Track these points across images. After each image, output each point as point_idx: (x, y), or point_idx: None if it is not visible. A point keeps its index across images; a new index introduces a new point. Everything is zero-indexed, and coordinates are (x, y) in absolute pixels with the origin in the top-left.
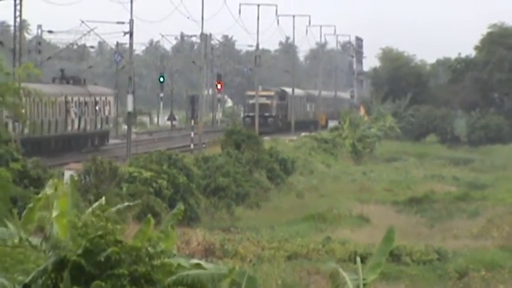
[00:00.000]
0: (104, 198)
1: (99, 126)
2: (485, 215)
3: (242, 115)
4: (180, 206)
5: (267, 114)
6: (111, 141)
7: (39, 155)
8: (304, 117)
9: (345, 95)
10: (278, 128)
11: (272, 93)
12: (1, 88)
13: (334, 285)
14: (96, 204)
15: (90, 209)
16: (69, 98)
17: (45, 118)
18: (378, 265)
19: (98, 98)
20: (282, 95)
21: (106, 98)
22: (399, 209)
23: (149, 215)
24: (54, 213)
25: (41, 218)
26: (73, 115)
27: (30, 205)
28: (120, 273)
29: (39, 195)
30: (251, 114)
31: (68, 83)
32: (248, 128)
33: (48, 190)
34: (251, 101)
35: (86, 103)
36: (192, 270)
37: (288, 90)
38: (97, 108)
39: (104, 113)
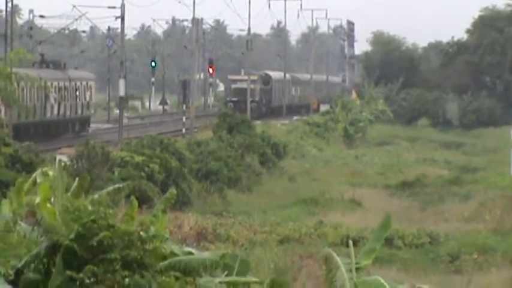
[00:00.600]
0: (77, 179)
1: (79, 112)
2: (477, 199)
3: (224, 100)
4: (173, 190)
5: (250, 99)
6: (105, 125)
7: (20, 140)
8: (289, 102)
9: (337, 79)
10: (261, 113)
11: (255, 78)
12: None
13: (327, 269)
14: (74, 185)
15: (70, 191)
16: (48, 83)
17: (23, 103)
18: (373, 251)
19: (78, 83)
20: (266, 79)
21: (87, 83)
22: (391, 193)
23: (132, 197)
24: (37, 199)
25: (31, 202)
26: (52, 100)
27: (15, 187)
28: (112, 257)
29: (22, 179)
30: (234, 99)
31: (47, 67)
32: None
33: (38, 177)
34: (233, 86)
35: (65, 88)
36: (185, 256)
37: (273, 74)
38: (77, 93)
39: (85, 99)
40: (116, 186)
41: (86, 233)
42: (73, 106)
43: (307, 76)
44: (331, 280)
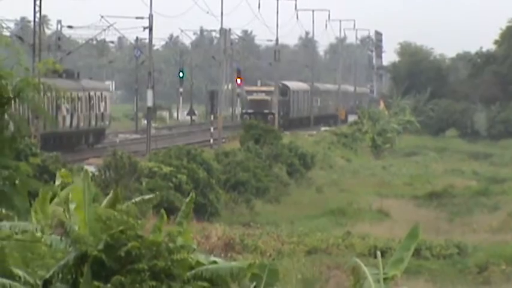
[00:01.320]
0: (112, 191)
1: (93, 123)
2: (505, 209)
3: (240, 112)
4: (192, 194)
5: (266, 111)
6: (132, 136)
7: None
8: (309, 113)
9: (365, 89)
10: (278, 126)
11: (272, 89)
12: (21, 83)
13: (355, 280)
14: (109, 196)
15: (104, 202)
16: (60, 94)
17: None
18: (400, 261)
19: (92, 93)
20: (284, 90)
21: (102, 94)
22: (419, 204)
23: (162, 211)
24: (71, 206)
25: (58, 212)
26: (64, 111)
27: (39, 197)
28: (140, 268)
29: (46, 188)
30: (250, 111)
31: (60, 76)
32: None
33: (57, 182)
34: (250, 97)
35: (78, 98)
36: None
37: (291, 84)
38: (91, 104)
39: (99, 110)
40: (143, 197)
41: (114, 243)
42: (86, 117)
43: (329, 86)
44: None
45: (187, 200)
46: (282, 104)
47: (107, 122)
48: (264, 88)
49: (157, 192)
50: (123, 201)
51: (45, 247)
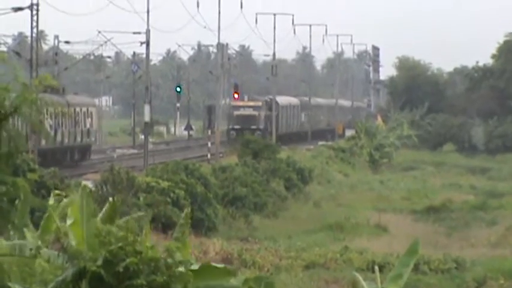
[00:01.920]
0: (108, 203)
1: (78, 139)
2: (503, 224)
3: (227, 128)
4: (188, 208)
5: (253, 126)
6: (130, 151)
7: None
8: (298, 129)
9: (362, 104)
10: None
11: (259, 104)
12: (18, 99)
13: None
14: (105, 208)
15: (100, 214)
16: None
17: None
18: (399, 276)
19: (78, 109)
20: (271, 105)
21: (88, 109)
22: (417, 218)
23: (146, 225)
24: (68, 222)
25: (56, 228)
26: (47, 127)
27: (47, 214)
28: (138, 283)
29: (55, 204)
30: (236, 126)
31: (45, 91)
32: (232, 144)
33: (51, 199)
34: (236, 112)
35: (62, 114)
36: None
37: (280, 99)
38: (76, 120)
39: (85, 126)
40: (137, 214)
41: (112, 259)
42: (71, 133)
43: (320, 100)
44: None
45: (184, 214)
46: (270, 119)
47: (93, 139)
48: (251, 103)
49: (155, 209)
50: (120, 215)
51: (44, 263)
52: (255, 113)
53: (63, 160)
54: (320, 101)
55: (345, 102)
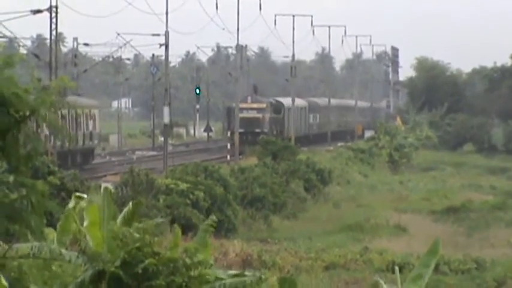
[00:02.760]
0: (130, 204)
1: (80, 143)
2: None
3: (229, 132)
4: (213, 216)
5: (257, 130)
6: (149, 153)
7: None
8: (305, 132)
9: (381, 104)
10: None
11: (264, 106)
12: (36, 101)
13: None
14: (125, 210)
15: (121, 216)
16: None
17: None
18: (420, 277)
19: (79, 111)
20: (277, 107)
21: (90, 111)
22: (436, 218)
23: (175, 225)
24: (85, 223)
25: (74, 230)
26: (46, 131)
27: (65, 216)
28: (157, 284)
29: (72, 206)
30: (240, 130)
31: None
32: (235, 149)
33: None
34: (240, 115)
35: (63, 117)
36: (229, 280)
37: (286, 100)
38: (77, 122)
39: (87, 128)
40: (156, 220)
41: (131, 260)
42: (73, 137)
43: (330, 101)
44: None
45: (208, 222)
46: (275, 122)
47: (96, 141)
48: (255, 105)
49: (175, 212)
50: (139, 216)
51: (63, 265)
52: (259, 115)
53: (64, 164)
54: (330, 101)
55: (364, 103)
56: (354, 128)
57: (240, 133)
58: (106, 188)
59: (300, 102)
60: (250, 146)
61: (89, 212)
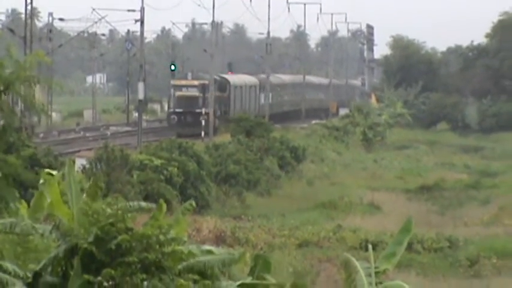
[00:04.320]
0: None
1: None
2: (497, 203)
3: (167, 112)
4: (192, 201)
5: (197, 110)
6: (124, 128)
7: None
8: (255, 112)
9: (356, 82)
10: (214, 128)
11: (206, 82)
12: (11, 76)
13: (347, 274)
14: (88, 185)
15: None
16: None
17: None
18: (392, 255)
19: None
20: (222, 85)
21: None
22: (410, 197)
23: (161, 200)
24: (57, 199)
25: (47, 205)
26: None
27: (37, 192)
28: (130, 260)
29: (42, 182)
30: (178, 110)
31: None
32: (173, 130)
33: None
34: (178, 93)
35: None
36: (203, 256)
37: (232, 77)
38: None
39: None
40: (141, 204)
41: (104, 236)
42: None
43: (285, 78)
44: (350, 284)
45: (186, 205)
46: (219, 101)
47: (36, 118)
48: (196, 82)
49: (148, 186)
50: (110, 192)
51: (36, 241)
52: (200, 93)
53: None
54: (285, 78)
55: (322, 80)
56: (328, 105)
57: (178, 113)
58: (71, 163)
59: (249, 79)
60: (190, 127)
61: (60, 188)
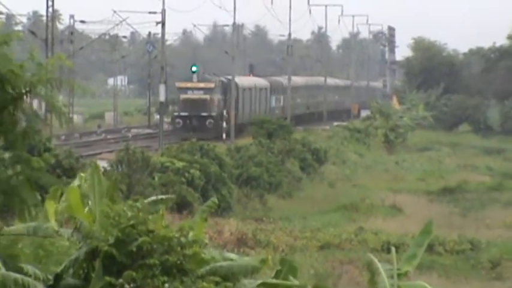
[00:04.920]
0: (110, 181)
1: None
2: None
3: (172, 115)
4: (214, 199)
5: (204, 113)
6: (145, 131)
7: None
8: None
9: (377, 84)
10: (221, 132)
11: (211, 85)
12: (33, 78)
13: (370, 275)
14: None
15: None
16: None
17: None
18: (413, 256)
19: None
20: (228, 87)
21: None
22: (432, 199)
23: (161, 206)
24: (79, 202)
25: (70, 208)
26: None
27: (49, 196)
28: (151, 263)
29: (56, 187)
30: (183, 113)
31: None
32: (178, 135)
33: (76, 182)
34: (183, 96)
35: None
36: (225, 262)
37: (241, 80)
38: None
39: None
40: (160, 197)
41: (125, 238)
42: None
43: (298, 80)
44: (373, 286)
45: (208, 203)
46: (226, 104)
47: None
48: (202, 85)
49: (172, 190)
50: (131, 194)
51: (57, 243)
52: (206, 96)
53: None
54: (298, 80)
55: (361, 83)
56: (350, 107)
57: (183, 117)
58: (95, 166)
59: (259, 81)
60: (196, 132)
61: (83, 190)
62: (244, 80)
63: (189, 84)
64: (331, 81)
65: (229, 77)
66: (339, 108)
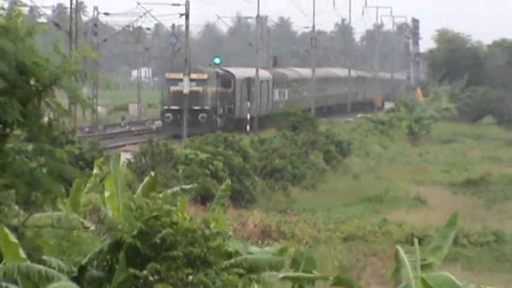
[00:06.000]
0: (149, 176)
1: None
2: None
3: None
4: (228, 181)
5: (196, 107)
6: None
7: None
8: (268, 111)
9: (401, 76)
10: (216, 128)
11: (204, 76)
12: (57, 71)
13: (397, 266)
14: (145, 181)
15: (140, 187)
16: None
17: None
18: (439, 248)
19: None
20: (226, 80)
21: None
22: (456, 191)
23: (180, 197)
24: (106, 194)
25: (95, 199)
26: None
27: (73, 188)
28: (175, 255)
29: (80, 181)
30: (173, 107)
31: None
32: (168, 130)
33: (94, 170)
34: (174, 88)
35: None
36: (249, 255)
37: (237, 71)
38: None
39: None
40: (183, 187)
41: (148, 230)
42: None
43: (303, 72)
44: (396, 276)
45: (223, 187)
46: (222, 97)
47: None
48: (195, 75)
49: (196, 182)
50: (160, 187)
51: (82, 235)
52: (199, 88)
53: None
54: (303, 72)
55: (385, 75)
56: (373, 99)
57: (173, 111)
58: (117, 158)
59: (260, 73)
60: (187, 128)
61: (108, 183)
62: (242, 71)
63: (180, 75)
64: (340, 72)
65: (228, 69)
66: (360, 100)
